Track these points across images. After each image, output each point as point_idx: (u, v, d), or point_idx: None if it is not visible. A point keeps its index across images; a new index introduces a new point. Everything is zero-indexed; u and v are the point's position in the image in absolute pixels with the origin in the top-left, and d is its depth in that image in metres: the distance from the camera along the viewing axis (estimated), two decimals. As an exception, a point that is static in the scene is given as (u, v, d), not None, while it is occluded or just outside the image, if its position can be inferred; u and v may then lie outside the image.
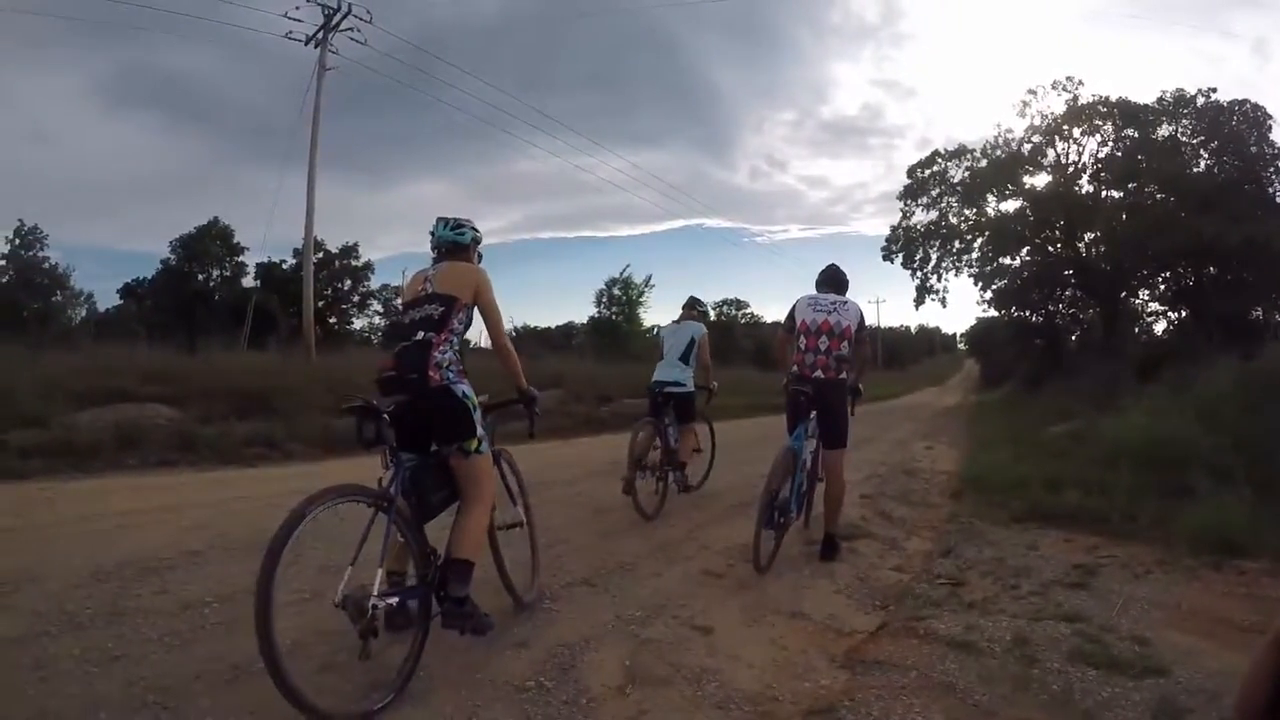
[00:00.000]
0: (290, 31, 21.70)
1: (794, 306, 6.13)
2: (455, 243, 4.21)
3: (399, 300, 4.33)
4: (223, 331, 26.36)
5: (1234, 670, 3.74)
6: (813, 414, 5.83)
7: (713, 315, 58.71)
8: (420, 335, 3.79)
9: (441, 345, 3.78)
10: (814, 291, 6.24)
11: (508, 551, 4.50)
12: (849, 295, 6.22)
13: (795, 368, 5.93)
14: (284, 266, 40.65)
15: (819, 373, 5.81)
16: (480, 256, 4.37)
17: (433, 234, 4.25)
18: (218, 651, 3.61)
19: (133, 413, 10.20)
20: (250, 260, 42.69)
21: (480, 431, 3.85)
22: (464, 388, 3.80)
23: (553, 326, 52.85)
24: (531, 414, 4.49)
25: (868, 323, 6.31)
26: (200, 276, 42.31)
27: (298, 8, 21.53)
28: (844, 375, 5.91)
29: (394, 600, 3.33)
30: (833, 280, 6.27)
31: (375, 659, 3.26)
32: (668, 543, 6.22)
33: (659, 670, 3.76)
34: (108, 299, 42.86)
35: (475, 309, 4.03)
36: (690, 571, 5.48)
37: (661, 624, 4.38)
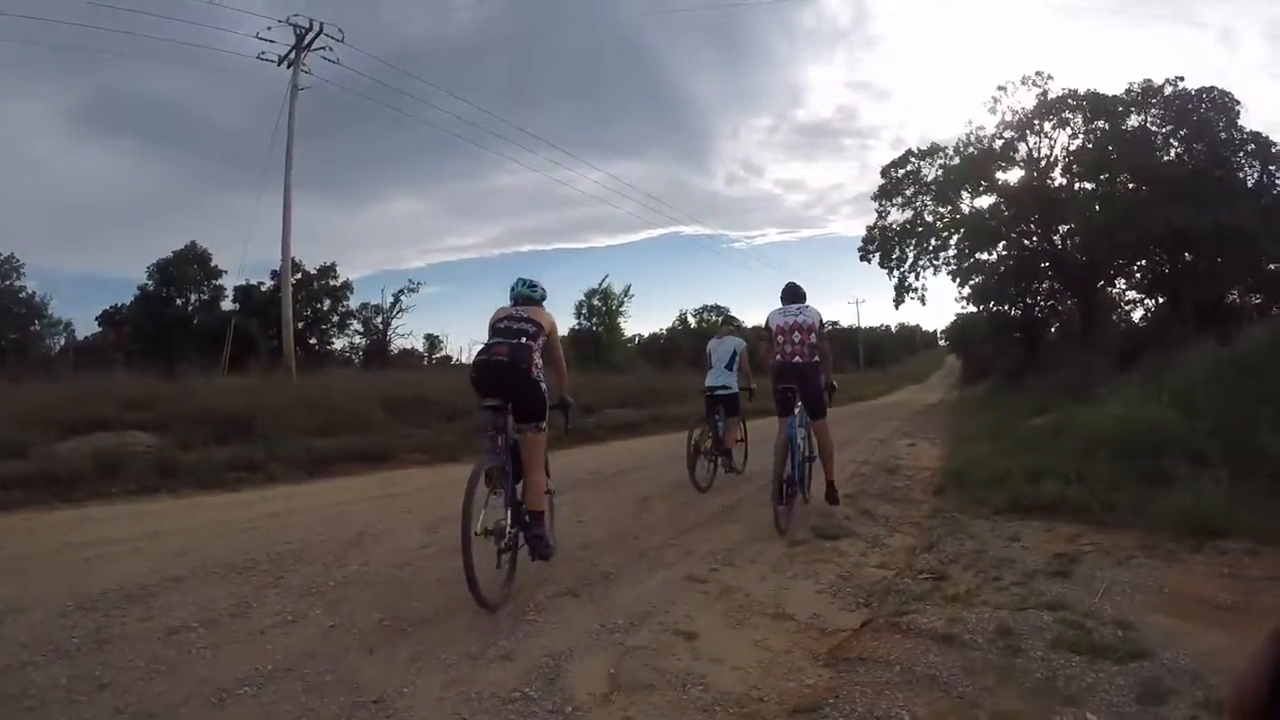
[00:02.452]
0: (263, 52, 21.63)
1: (768, 319, 7.88)
2: (529, 296, 5.65)
3: (493, 322, 5.45)
4: (203, 356, 26.16)
5: (1218, 650, 3.80)
6: (798, 406, 7.38)
7: (693, 322, 58.98)
8: (524, 340, 5.18)
9: (535, 350, 5.21)
10: (780, 304, 7.90)
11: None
12: (808, 302, 7.91)
13: (779, 358, 7.59)
14: (262, 289, 40.56)
15: (797, 358, 7.51)
16: (544, 297, 5.77)
17: (513, 289, 5.70)
18: (204, 676, 3.59)
19: (113, 441, 10.09)
20: (228, 283, 42.53)
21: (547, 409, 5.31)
22: (544, 383, 5.25)
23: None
24: (566, 415, 5.82)
25: (824, 323, 7.93)
26: (179, 301, 42.11)
27: (269, 28, 21.52)
28: (816, 359, 7.58)
29: (515, 530, 4.97)
30: (793, 294, 7.96)
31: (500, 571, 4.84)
32: (650, 550, 6.21)
33: (644, 676, 3.75)
34: (86, 326, 42.62)
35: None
36: (673, 578, 5.47)
37: (646, 631, 4.38)
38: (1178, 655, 3.80)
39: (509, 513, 4.96)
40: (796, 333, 7.53)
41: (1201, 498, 6.44)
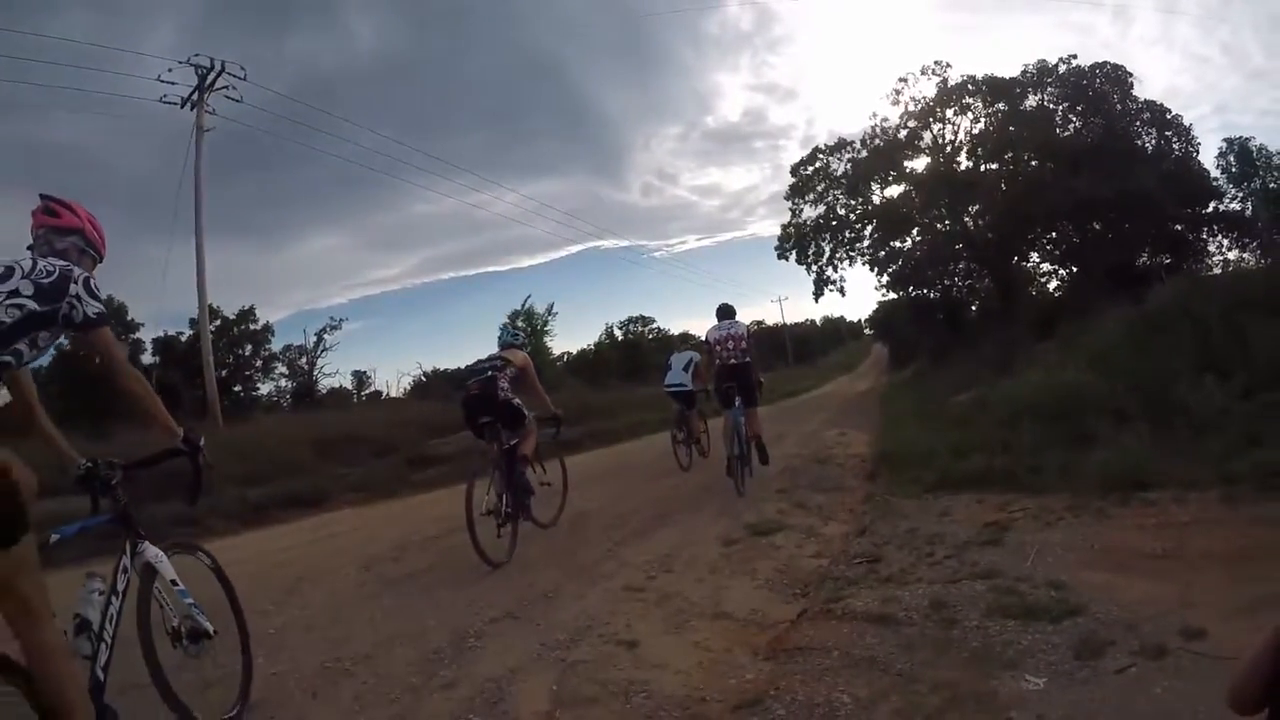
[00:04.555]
0: (165, 95, 21.00)
1: (708, 334, 9.90)
2: (510, 342, 7.70)
3: (475, 362, 7.30)
4: (129, 413, 25.42)
5: (1150, 598, 3.87)
6: (737, 400, 9.08)
7: (620, 335, 59.08)
8: (490, 373, 6.90)
9: (502, 379, 6.91)
10: (716, 321, 9.84)
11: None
12: (737, 318, 9.92)
13: (718, 363, 9.51)
14: (181, 338, 39.32)
15: (733, 359, 9.40)
16: (528, 346, 7.99)
17: (500, 336, 7.82)
18: None
19: (53, 506, 9.72)
20: (146, 336, 41.34)
21: (529, 414, 7.13)
22: (516, 400, 7.02)
23: (462, 366, 52.34)
24: (557, 427, 7.93)
25: (747, 330, 9.88)
26: (97, 359, 40.90)
27: (170, 69, 20.91)
28: (749, 359, 9.49)
29: (508, 509, 6.54)
30: (726, 312, 9.88)
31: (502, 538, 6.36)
32: (587, 565, 6.13)
33: (586, 690, 3.70)
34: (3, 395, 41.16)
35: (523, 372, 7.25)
36: (612, 589, 5.40)
37: (587, 645, 4.31)
38: (1111, 608, 3.86)
39: (503, 496, 6.54)
40: (730, 341, 9.49)
41: (1124, 453, 6.58)
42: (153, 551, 3.38)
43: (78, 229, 3.11)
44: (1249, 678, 1.32)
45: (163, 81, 20.99)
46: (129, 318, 40.78)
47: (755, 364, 9.70)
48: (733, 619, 4.61)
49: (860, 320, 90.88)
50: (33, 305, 2.66)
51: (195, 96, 21.21)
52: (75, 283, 2.81)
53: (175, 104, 21.28)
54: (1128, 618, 3.69)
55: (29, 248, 3.00)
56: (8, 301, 2.60)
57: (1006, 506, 6.40)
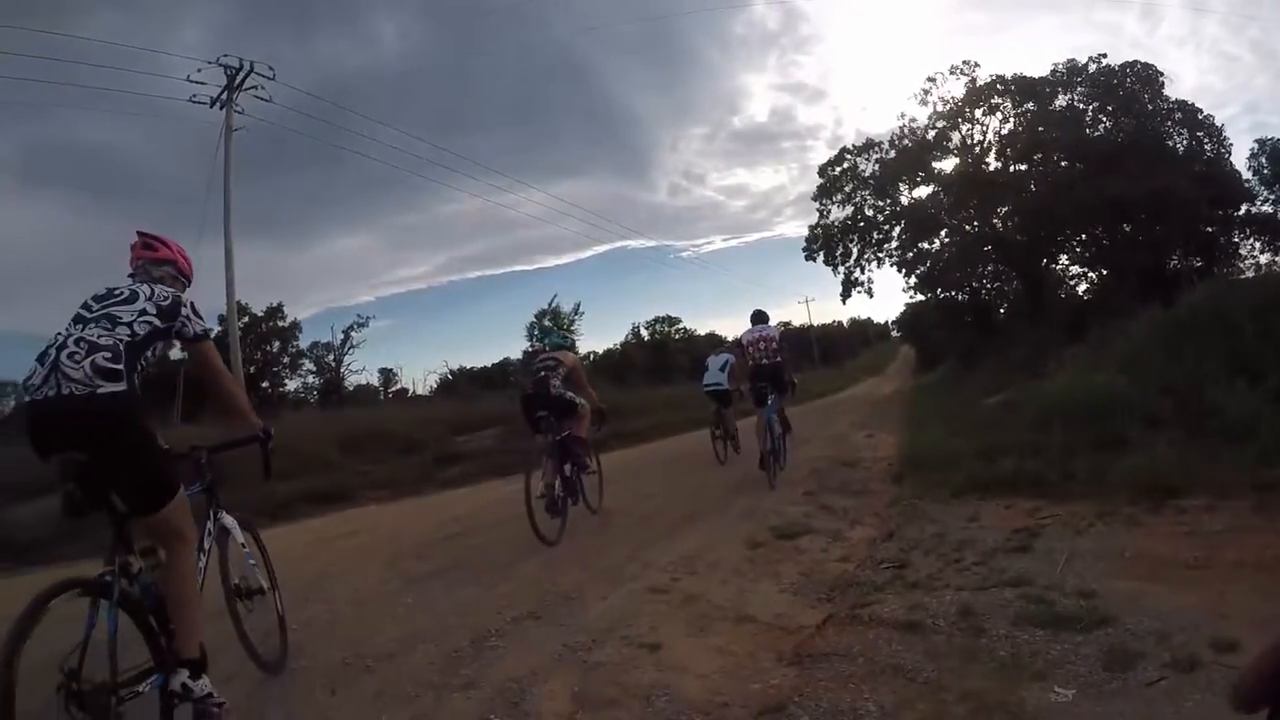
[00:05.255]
0: (194, 95, 21.23)
1: (742, 337, 10.49)
2: (560, 344, 8.56)
3: (531, 362, 8.49)
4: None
5: (1182, 609, 3.79)
6: (770, 399, 9.69)
7: (646, 335, 59.03)
8: (543, 374, 7.65)
9: (555, 378, 7.61)
10: (750, 325, 10.41)
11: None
12: (770, 322, 10.56)
13: (752, 364, 10.06)
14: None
15: (765, 360, 9.96)
16: (575, 345, 9.53)
17: (548, 337, 9.05)
18: None
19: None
20: (174, 334, 41.64)
21: (581, 401, 7.81)
22: (570, 394, 7.69)
23: (489, 365, 52.32)
24: (602, 421, 8.46)
25: (779, 334, 10.46)
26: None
27: (200, 70, 21.11)
28: (780, 359, 10.04)
29: (561, 494, 7.29)
30: (760, 317, 10.49)
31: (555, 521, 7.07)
32: (611, 567, 6.10)
33: (608, 692, 3.66)
34: (34, 388, 41.54)
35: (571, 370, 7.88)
36: (635, 591, 5.36)
37: (609, 647, 4.28)
38: (1142, 618, 3.78)
39: (557, 481, 7.26)
40: (762, 343, 10.05)
41: (1156, 458, 6.49)
42: (229, 519, 4.11)
43: (171, 260, 3.72)
44: (1252, 677, 1.34)
45: (192, 81, 21.24)
46: (159, 314, 40.93)
47: (788, 365, 10.35)
48: (757, 623, 4.56)
49: (887, 322, 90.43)
50: (156, 322, 3.29)
51: (225, 96, 21.39)
52: (185, 305, 3.46)
53: (205, 104, 21.49)
54: (1159, 628, 3.62)
55: (130, 275, 3.60)
56: (140, 319, 3.24)
57: (1036, 512, 6.33)
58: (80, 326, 3.15)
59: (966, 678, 3.42)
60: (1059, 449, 7.63)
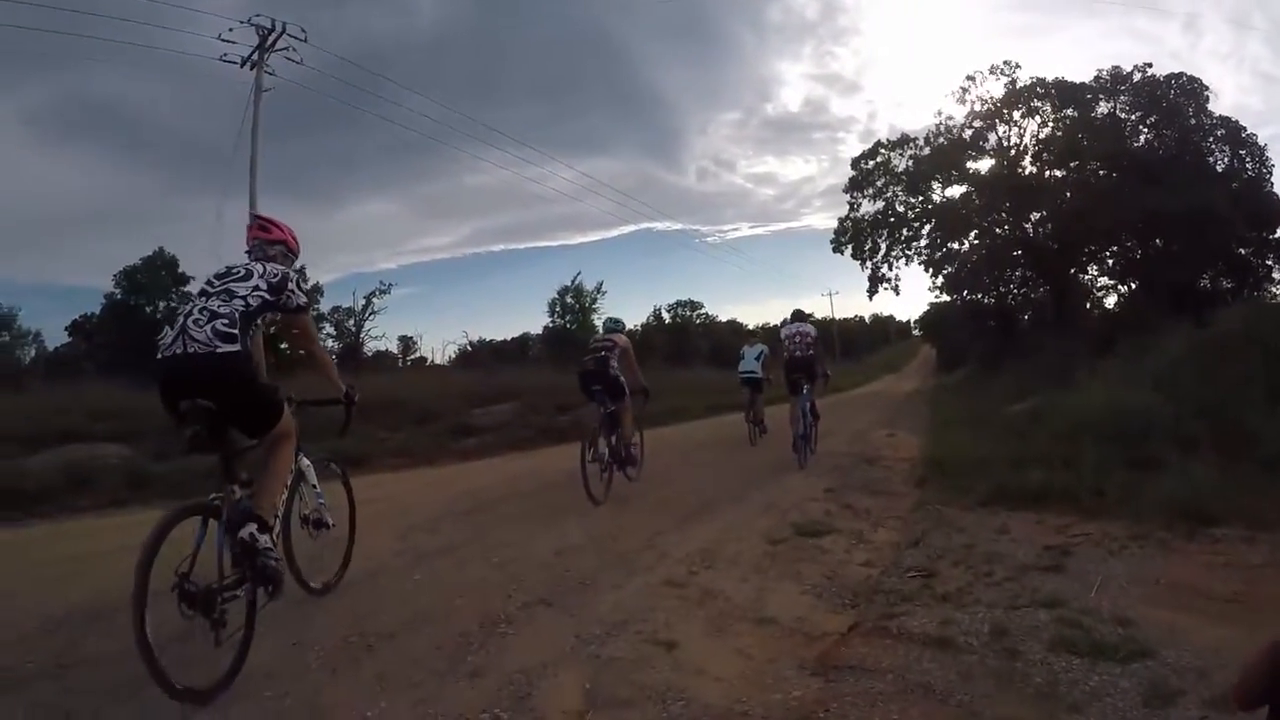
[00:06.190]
0: (225, 54, 21.14)
1: (780, 331, 11.83)
2: (613, 328, 9.23)
3: (589, 343, 9.25)
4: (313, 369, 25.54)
5: (1222, 645, 3.63)
6: (805, 388, 10.83)
7: (668, 318, 58.97)
8: (602, 354, 8.49)
9: (611, 359, 8.44)
10: (788, 319, 11.81)
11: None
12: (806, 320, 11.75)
13: (787, 355, 11.20)
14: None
15: (799, 353, 11.08)
16: (624, 327, 9.63)
17: (604, 323, 9.75)
18: (163, 700, 3.26)
19: (83, 453, 9.85)
20: (196, 290, 41.68)
21: (628, 394, 8.53)
22: (623, 377, 8.48)
23: (508, 339, 52.27)
24: (645, 399, 9.25)
25: (815, 332, 11.61)
26: (147, 309, 41.17)
27: (231, 29, 20.98)
28: (813, 354, 11.14)
29: (609, 459, 8.16)
30: (799, 315, 11.67)
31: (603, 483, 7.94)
32: (627, 554, 5.95)
33: (622, 692, 3.50)
34: (57, 337, 41.83)
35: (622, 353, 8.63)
36: (651, 583, 5.21)
37: (623, 641, 4.12)
38: (1181, 652, 3.62)
39: (607, 449, 8.19)
40: (798, 337, 11.19)
41: (1190, 483, 6.31)
42: (305, 461, 4.70)
43: (282, 240, 4.40)
44: (1252, 676, 1.44)
45: (223, 40, 21.13)
46: (180, 270, 41.14)
47: (820, 359, 11.40)
48: (778, 625, 4.41)
49: (909, 321, 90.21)
50: (267, 296, 3.92)
51: (255, 56, 21.27)
52: (291, 282, 4.09)
53: (235, 63, 21.37)
54: (1199, 664, 3.46)
55: (247, 253, 4.27)
56: (253, 293, 3.86)
57: (1066, 529, 6.15)
58: (204, 299, 3.78)
59: (1001, 704, 3.27)
60: (1090, 464, 7.44)
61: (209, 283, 3.91)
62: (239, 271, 3.96)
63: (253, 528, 3.66)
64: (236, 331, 3.66)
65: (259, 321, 4.00)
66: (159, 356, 3.65)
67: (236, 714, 3.25)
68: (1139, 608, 4.31)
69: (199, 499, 3.73)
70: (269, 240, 4.34)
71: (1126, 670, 3.48)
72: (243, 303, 3.79)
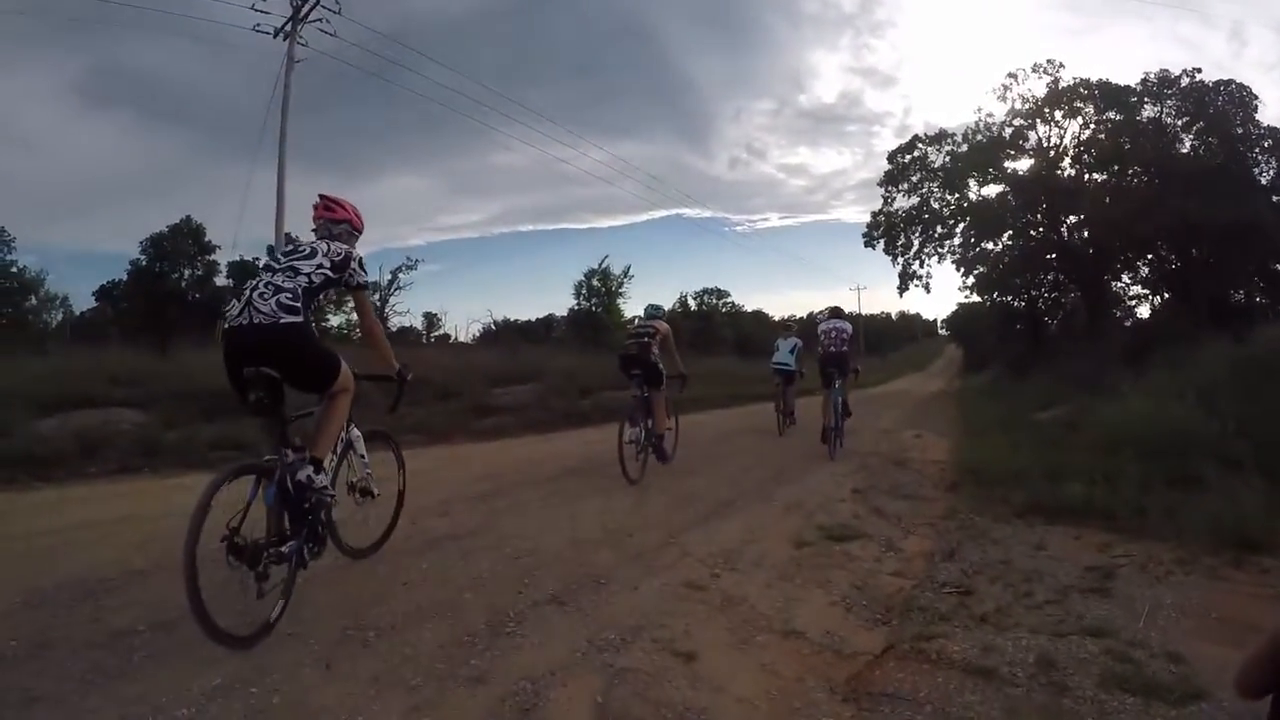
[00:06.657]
0: (258, 24, 21.26)
1: (818, 327, 12.25)
2: (654, 314, 9.45)
3: (630, 329, 9.94)
4: (198, 331, 25.67)
5: None
6: (838, 381, 11.42)
7: (694, 305, 58.85)
8: (645, 339, 8.83)
9: (653, 345, 8.78)
10: (825, 315, 12.43)
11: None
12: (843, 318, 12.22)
13: (821, 350, 11.87)
14: (257, 264, 39.82)
15: (833, 348, 11.71)
16: (665, 314, 9.73)
17: (645, 310, 9.70)
18: (141, 692, 3.13)
19: (97, 418, 9.81)
20: (223, 259, 41.82)
21: (665, 381, 8.90)
22: (661, 365, 8.82)
23: (533, 319, 52.20)
24: (683, 384, 9.50)
25: (851, 330, 12.32)
26: (173, 276, 41.35)
27: (265, -1, 21.00)
28: (846, 350, 11.80)
29: (644, 442, 8.61)
30: (836, 312, 12.22)
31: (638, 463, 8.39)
32: (645, 551, 5.72)
33: (635, 709, 3.26)
34: (84, 302, 42.16)
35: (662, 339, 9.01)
36: (670, 584, 4.97)
37: (639, 649, 3.88)
38: (1237, 695, 3.33)
39: (642, 432, 8.58)
40: (834, 333, 11.76)
41: (1237, 506, 6.00)
42: (355, 432, 4.97)
43: (347, 220, 4.66)
44: (1255, 665, 1.44)
45: (257, 10, 21.24)
46: (206, 239, 41.28)
47: (853, 355, 12.15)
48: (806, 640, 4.14)
49: (935, 320, 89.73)
50: (329, 274, 4.21)
51: (289, 27, 21.35)
52: (354, 260, 4.39)
53: (268, 34, 21.48)
54: (1256, 710, 3.18)
55: (313, 230, 4.57)
56: (317, 270, 4.15)
57: (1108, 548, 5.87)
58: (270, 274, 4.07)
59: (1049, 746, 2.99)
60: (1131, 479, 7.14)
61: (274, 258, 4.21)
62: (305, 249, 4.26)
63: (309, 469, 4.04)
64: (299, 305, 3.96)
65: (321, 296, 4.32)
66: (225, 327, 3.94)
67: (216, 713, 3.02)
68: (1190, 641, 4.04)
69: (253, 460, 4.16)
70: (334, 220, 4.61)
71: (1182, 714, 3.24)
72: (306, 279, 4.08)
